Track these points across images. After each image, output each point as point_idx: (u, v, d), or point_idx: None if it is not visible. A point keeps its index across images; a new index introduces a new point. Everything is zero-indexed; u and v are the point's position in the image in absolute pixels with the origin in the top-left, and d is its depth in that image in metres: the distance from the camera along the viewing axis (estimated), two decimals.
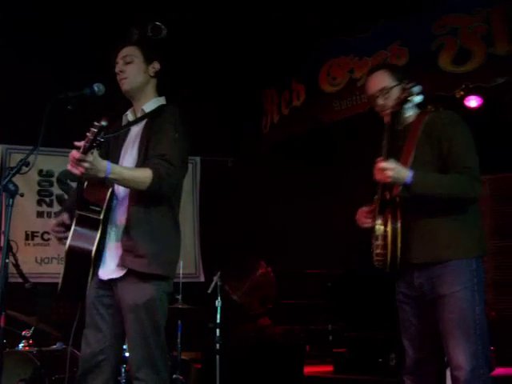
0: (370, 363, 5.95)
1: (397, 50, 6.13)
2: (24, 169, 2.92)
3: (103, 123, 2.68)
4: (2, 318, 2.83)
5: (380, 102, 3.19)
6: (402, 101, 3.06)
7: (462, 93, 5.92)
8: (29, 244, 7.00)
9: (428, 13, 5.92)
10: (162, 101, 3.34)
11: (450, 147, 3.02)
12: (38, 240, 7.06)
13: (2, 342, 3.01)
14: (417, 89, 3.03)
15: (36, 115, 3.10)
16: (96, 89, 3.12)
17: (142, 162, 3.10)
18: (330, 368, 6.44)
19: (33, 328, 4.75)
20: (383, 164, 2.98)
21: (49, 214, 7.15)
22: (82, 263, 2.97)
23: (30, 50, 6.61)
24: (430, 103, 5.74)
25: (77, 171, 2.85)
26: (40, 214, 7.12)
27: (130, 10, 6.45)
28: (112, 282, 3.10)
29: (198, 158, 7.81)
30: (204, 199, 7.79)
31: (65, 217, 3.17)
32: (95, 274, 3.08)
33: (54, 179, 7.17)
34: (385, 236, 3.03)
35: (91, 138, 2.70)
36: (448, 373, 3.10)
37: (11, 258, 4.63)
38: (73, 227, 3.00)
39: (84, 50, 6.66)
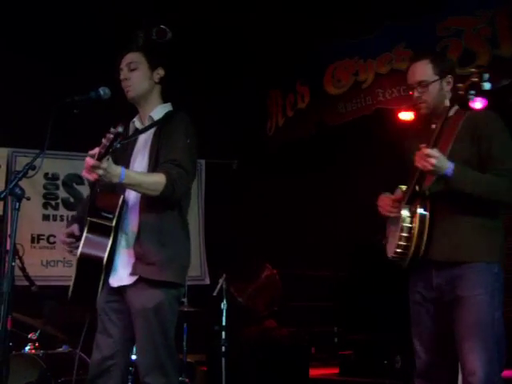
0: (376, 366, 5.94)
1: (401, 53, 6.13)
2: (30, 172, 2.92)
3: (119, 129, 2.72)
4: (8, 320, 2.84)
5: (416, 94, 3.09)
6: (468, 87, 2.84)
7: None
8: (34, 247, 7.01)
9: (432, 15, 5.92)
10: (168, 107, 3.35)
11: (489, 148, 2.95)
12: (43, 243, 7.07)
13: (9, 344, 3.01)
14: (486, 76, 2.86)
15: (42, 118, 3.11)
16: (102, 92, 3.13)
17: (153, 168, 3.11)
18: (335, 370, 6.44)
19: (39, 331, 4.77)
20: (428, 151, 2.85)
21: (54, 217, 7.16)
22: (93, 269, 2.99)
23: (36, 53, 6.62)
24: None
25: (91, 178, 2.84)
26: (46, 217, 7.13)
27: (135, 11, 6.47)
28: (122, 288, 3.12)
29: (203, 161, 7.82)
30: (209, 202, 7.80)
31: (75, 228, 3.19)
32: (106, 280, 3.09)
33: (59, 182, 7.20)
34: (410, 228, 2.94)
35: (107, 144, 2.72)
36: (460, 378, 3.02)
37: (17, 261, 4.65)
38: (84, 234, 3.01)
39: (90, 53, 6.67)
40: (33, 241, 7.01)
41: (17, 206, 2.86)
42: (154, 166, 3.12)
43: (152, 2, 6.46)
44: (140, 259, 3.05)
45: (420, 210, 2.95)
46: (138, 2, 6.43)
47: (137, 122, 3.35)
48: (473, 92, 2.83)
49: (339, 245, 7.24)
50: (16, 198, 2.85)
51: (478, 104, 6.47)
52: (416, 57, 3.19)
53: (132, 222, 3.11)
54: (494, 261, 2.95)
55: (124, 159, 3.24)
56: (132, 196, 3.13)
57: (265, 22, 6.67)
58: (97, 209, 3.04)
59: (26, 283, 4.94)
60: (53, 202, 7.19)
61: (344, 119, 6.71)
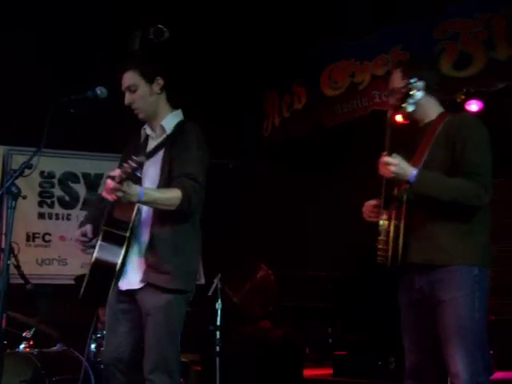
0: (370, 366, 5.95)
1: (398, 55, 6.14)
2: (27, 171, 2.93)
3: (143, 159, 2.83)
4: (3, 319, 2.85)
5: (391, 101, 3.15)
6: (403, 96, 2.99)
7: (462, 97, 5.93)
8: (30, 245, 7.00)
9: (429, 17, 5.93)
10: (179, 115, 3.40)
11: (462, 150, 2.97)
12: (38, 241, 7.06)
13: (3, 343, 3.02)
14: (419, 84, 2.96)
15: (37, 117, 3.12)
16: (99, 92, 3.14)
17: (165, 180, 3.19)
18: (329, 371, 6.44)
19: (33, 329, 4.76)
20: (387, 159, 2.93)
21: (50, 216, 7.16)
22: (105, 274, 3.12)
23: (33, 51, 6.62)
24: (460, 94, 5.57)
25: (111, 198, 2.95)
26: (41, 216, 7.13)
27: (132, 10, 6.47)
28: (131, 290, 3.22)
29: None
30: (204, 202, 7.78)
31: (88, 228, 3.30)
32: (116, 283, 3.20)
33: (55, 181, 7.19)
34: (388, 232, 3.00)
35: (129, 171, 2.82)
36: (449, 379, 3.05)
37: (12, 260, 4.64)
38: (99, 242, 3.12)
39: (87, 52, 6.66)
40: (28, 239, 7.01)
41: (12, 205, 2.86)
42: (166, 177, 3.19)
43: (149, 1, 6.46)
44: (152, 267, 3.14)
45: (394, 215, 3.01)
46: (135, 1, 6.44)
47: (147, 130, 3.40)
48: (405, 102, 2.97)
49: (334, 245, 7.25)
50: (12, 197, 2.86)
51: (473, 107, 6.49)
52: (393, 66, 3.33)
53: (145, 231, 3.20)
54: (473, 264, 2.98)
55: None
56: (145, 207, 3.21)
57: (262, 22, 6.68)
58: (113, 219, 3.15)
59: (21, 281, 4.94)
60: (48, 201, 7.18)
61: (340, 120, 6.73)
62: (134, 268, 3.19)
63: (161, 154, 3.26)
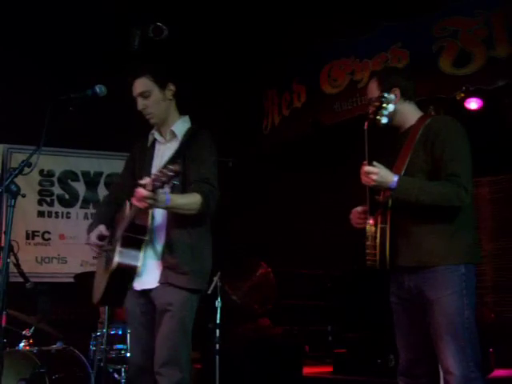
0: (370, 364, 5.95)
1: (397, 52, 6.14)
2: (26, 169, 2.94)
3: (179, 168, 2.87)
4: (3, 317, 2.85)
5: (370, 109, 3.20)
6: (375, 109, 3.07)
7: (462, 95, 5.93)
8: (29, 243, 7.01)
9: (429, 15, 5.93)
10: (187, 121, 3.50)
11: (441, 153, 3.03)
12: (38, 239, 7.07)
13: (3, 341, 3.02)
14: (391, 97, 3.07)
15: (37, 115, 3.12)
16: (98, 90, 3.15)
17: (181, 185, 3.26)
18: (329, 369, 6.45)
19: (33, 327, 4.77)
20: (367, 168, 3.00)
21: (49, 214, 7.16)
22: (125, 277, 3.25)
23: (31, 50, 6.62)
24: (431, 104, 5.74)
25: (142, 206, 3.03)
26: (41, 214, 7.13)
27: (131, 11, 6.47)
28: (146, 290, 3.32)
29: None
30: None
31: (103, 228, 3.39)
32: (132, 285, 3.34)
33: (55, 179, 7.20)
34: (374, 237, 3.06)
35: (164, 180, 2.88)
36: (441, 374, 3.11)
37: (12, 258, 4.65)
38: (119, 247, 3.21)
39: (87, 50, 6.66)
40: (28, 237, 7.02)
41: (12, 203, 2.87)
42: (181, 182, 3.26)
43: (149, 0, 6.46)
44: (171, 269, 3.24)
45: (380, 220, 3.07)
46: (135, 1, 6.44)
47: (156, 135, 3.48)
48: (378, 115, 3.05)
49: (333, 243, 7.25)
50: (11, 195, 2.86)
51: (473, 105, 6.49)
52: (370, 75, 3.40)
53: (160, 236, 3.30)
54: (459, 262, 3.01)
55: (145, 169, 3.41)
56: (160, 211, 3.29)
57: (262, 21, 6.68)
58: (133, 224, 3.23)
59: (21, 280, 4.94)
60: (48, 199, 7.19)
61: (340, 118, 6.72)
62: (150, 269, 3.28)
63: (173, 157, 3.34)
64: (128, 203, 3.26)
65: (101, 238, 3.40)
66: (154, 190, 2.94)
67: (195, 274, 3.28)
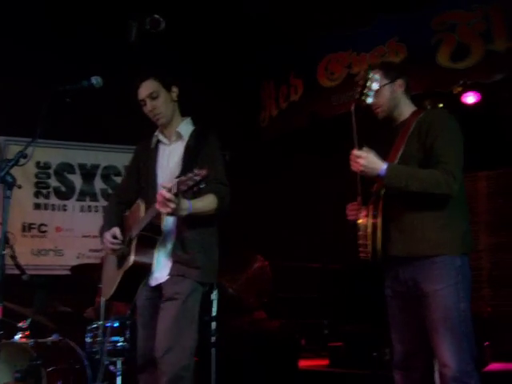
0: (365, 357, 5.97)
1: (395, 46, 6.14)
2: (22, 161, 2.93)
3: (206, 172, 2.88)
4: None
5: (356, 90, 3.23)
6: (361, 89, 3.10)
7: (459, 89, 5.93)
8: (25, 236, 6.99)
9: (427, 8, 5.92)
10: (190, 122, 3.57)
11: (432, 143, 3.04)
12: (34, 232, 7.05)
13: None
14: (376, 76, 3.09)
15: (34, 107, 3.12)
16: (94, 81, 3.15)
17: None
18: (325, 362, 6.46)
19: (29, 319, 4.76)
20: (356, 152, 3.05)
21: (46, 206, 7.15)
22: (139, 274, 3.34)
23: (29, 41, 6.59)
24: (427, 99, 5.75)
25: (165, 211, 3.07)
26: (37, 206, 7.11)
27: (127, 4, 6.45)
28: (158, 285, 3.40)
29: None
30: None
31: (117, 231, 3.44)
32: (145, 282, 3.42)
33: (51, 171, 7.18)
34: (366, 227, 3.06)
35: (191, 184, 2.89)
36: (436, 366, 3.11)
37: (8, 250, 4.63)
38: (135, 246, 3.29)
39: (84, 42, 6.64)
40: (24, 229, 7.00)
41: (8, 194, 2.86)
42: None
43: None
44: (183, 264, 3.32)
45: (371, 210, 3.08)
46: None
47: (160, 136, 3.54)
48: (363, 94, 3.10)
49: (330, 237, 7.26)
50: (7, 186, 2.85)
51: (470, 99, 6.48)
52: (375, 66, 3.35)
53: (172, 234, 3.38)
54: (455, 253, 3.01)
55: (150, 170, 3.49)
56: None
57: (259, 13, 6.66)
58: (151, 224, 3.29)
59: (17, 272, 4.93)
60: (44, 191, 7.17)
61: (337, 111, 6.71)
62: (161, 266, 3.36)
63: (181, 158, 3.42)
64: (142, 204, 3.34)
65: (115, 238, 3.46)
66: (177, 194, 2.97)
67: (206, 269, 3.38)
